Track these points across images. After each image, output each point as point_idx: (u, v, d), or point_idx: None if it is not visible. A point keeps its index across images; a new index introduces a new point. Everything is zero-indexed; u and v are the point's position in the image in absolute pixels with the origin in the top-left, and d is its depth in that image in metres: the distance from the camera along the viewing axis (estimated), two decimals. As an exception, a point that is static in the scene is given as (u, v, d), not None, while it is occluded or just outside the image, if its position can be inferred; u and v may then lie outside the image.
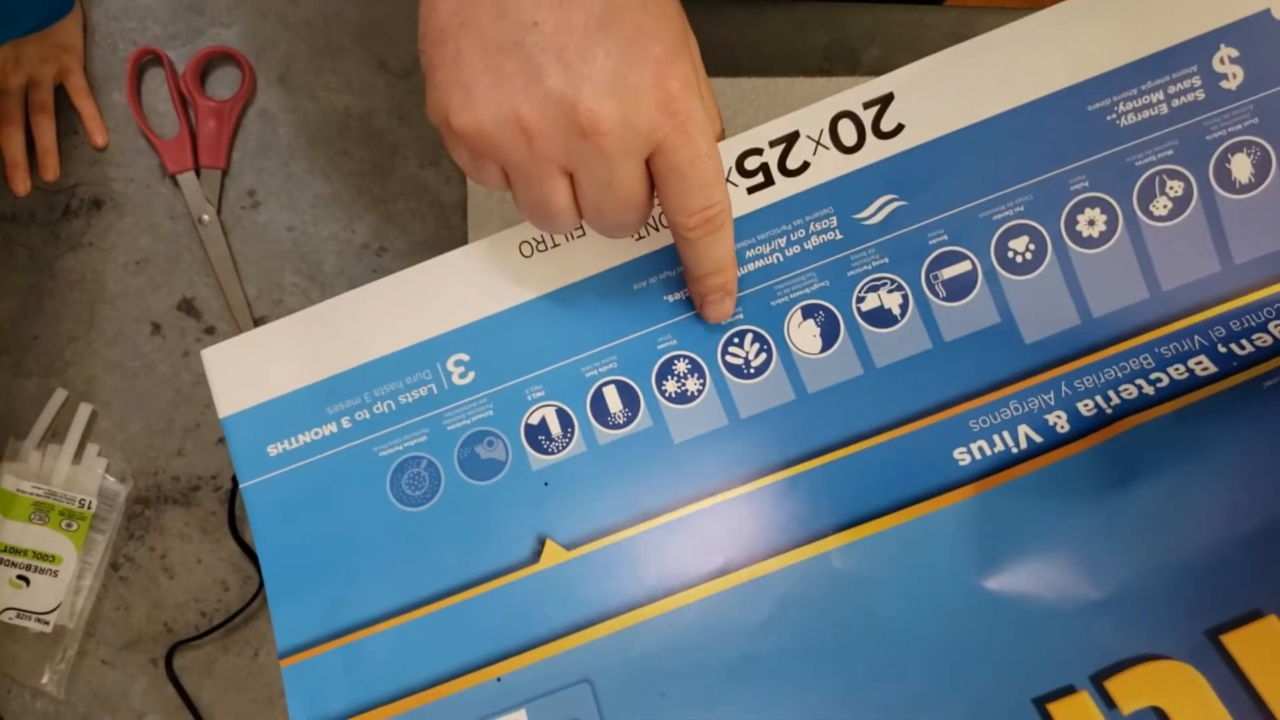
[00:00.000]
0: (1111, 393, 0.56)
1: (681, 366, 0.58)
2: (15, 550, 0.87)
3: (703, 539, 0.57)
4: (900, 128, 0.56)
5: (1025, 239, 0.56)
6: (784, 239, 0.57)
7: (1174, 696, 0.52)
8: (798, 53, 0.90)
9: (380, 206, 0.92)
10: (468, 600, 0.57)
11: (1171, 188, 0.56)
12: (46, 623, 0.88)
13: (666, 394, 0.58)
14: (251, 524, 0.59)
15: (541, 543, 0.58)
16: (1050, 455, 0.56)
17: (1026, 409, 0.56)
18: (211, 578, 0.91)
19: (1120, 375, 0.56)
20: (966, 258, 0.57)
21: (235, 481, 0.90)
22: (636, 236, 0.57)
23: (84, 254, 0.92)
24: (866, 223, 0.57)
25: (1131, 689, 0.52)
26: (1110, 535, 0.54)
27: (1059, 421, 0.56)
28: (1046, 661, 0.54)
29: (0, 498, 0.88)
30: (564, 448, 0.58)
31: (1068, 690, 0.53)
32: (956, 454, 0.57)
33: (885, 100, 0.56)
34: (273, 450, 0.59)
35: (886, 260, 0.57)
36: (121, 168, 0.93)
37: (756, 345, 0.58)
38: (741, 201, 0.57)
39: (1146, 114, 0.55)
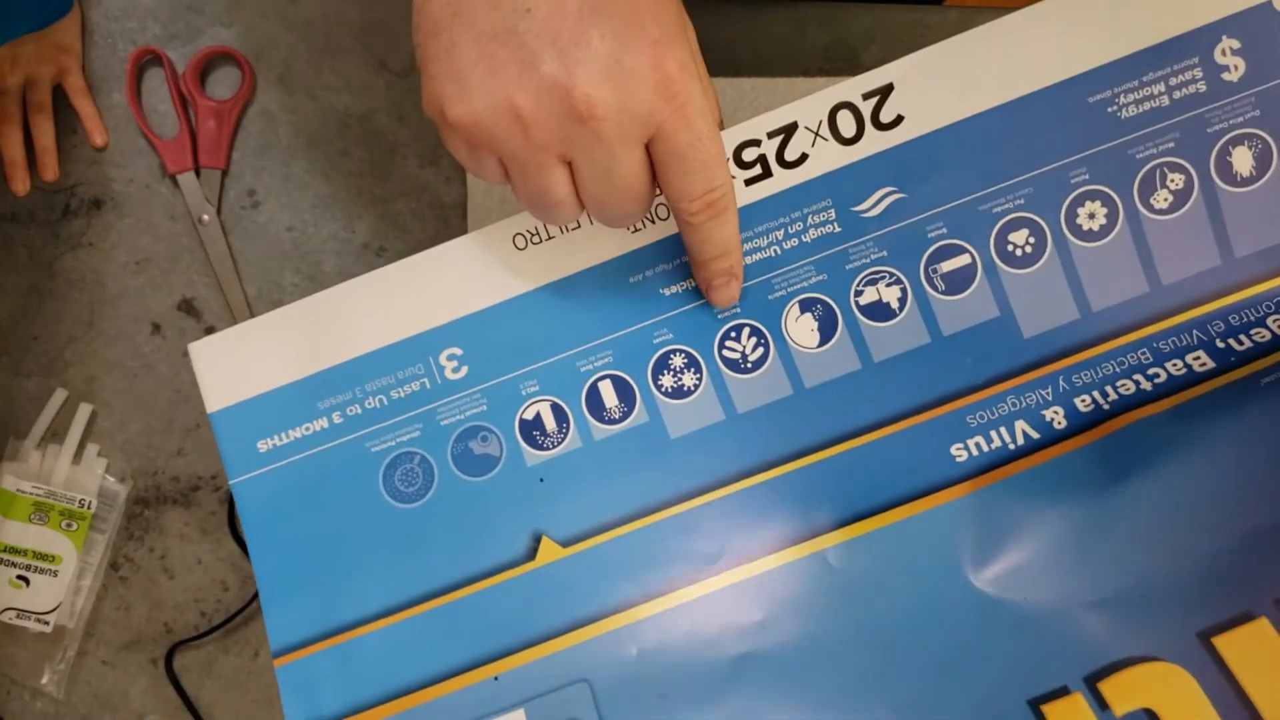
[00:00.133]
0: (1109, 388, 0.56)
1: (678, 361, 0.57)
2: (15, 550, 0.87)
3: (700, 535, 0.57)
4: (900, 119, 0.56)
5: (1025, 232, 0.56)
6: (781, 231, 0.57)
7: (1165, 698, 0.52)
8: (798, 53, 0.90)
9: (380, 206, 0.91)
10: (463, 598, 0.57)
11: (1172, 180, 0.55)
12: (46, 623, 0.87)
13: (663, 389, 0.57)
14: (242, 521, 0.59)
15: (537, 540, 0.57)
16: (1046, 452, 0.56)
17: (1024, 404, 0.56)
18: (211, 578, 0.90)
19: (1118, 370, 0.56)
20: (966, 251, 0.56)
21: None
22: (633, 228, 0.57)
23: (84, 254, 0.92)
24: (865, 215, 0.56)
25: (1124, 691, 0.52)
26: (1104, 534, 0.54)
27: (1056, 418, 0.56)
28: (1041, 662, 0.53)
29: (0, 498, 0.87)
30: (559, 443, 0.58)
31: (1062, 692, 0.53)
32: (954, 450, 0.56)
33: (885, 91, 0.56)
34: (263, 446, 0.58)
35: (885, 253, 0.56)
36: (121, 168, 0.93)
37: (754, 339, 0.57)
38: (739, 193, 0.56)
39: (1147, 106, 0.55)
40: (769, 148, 0.56)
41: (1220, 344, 0.55)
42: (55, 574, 0.87)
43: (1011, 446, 0.56)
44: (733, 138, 0.56)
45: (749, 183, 0.56)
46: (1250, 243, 0.55)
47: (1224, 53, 0.55)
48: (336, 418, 0.58)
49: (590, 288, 0.57)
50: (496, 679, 0.56)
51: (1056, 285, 0.56)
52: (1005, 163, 0.56)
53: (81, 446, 0.90)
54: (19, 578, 0.87)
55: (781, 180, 0.56)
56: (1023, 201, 0.56)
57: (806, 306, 0.57)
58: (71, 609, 0.88)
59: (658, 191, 0.50)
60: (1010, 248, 0.56)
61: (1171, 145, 0.55)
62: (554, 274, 0.57)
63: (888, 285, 0.57)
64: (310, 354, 0.58)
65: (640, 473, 0.57)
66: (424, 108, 0.49)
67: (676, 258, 0.57)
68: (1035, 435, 0.56)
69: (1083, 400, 0.56)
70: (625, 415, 0.58)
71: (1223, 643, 0.52)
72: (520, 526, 0.57)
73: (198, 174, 0.92)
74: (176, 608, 0.90)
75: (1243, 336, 0.55)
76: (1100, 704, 0.52)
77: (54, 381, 0.91)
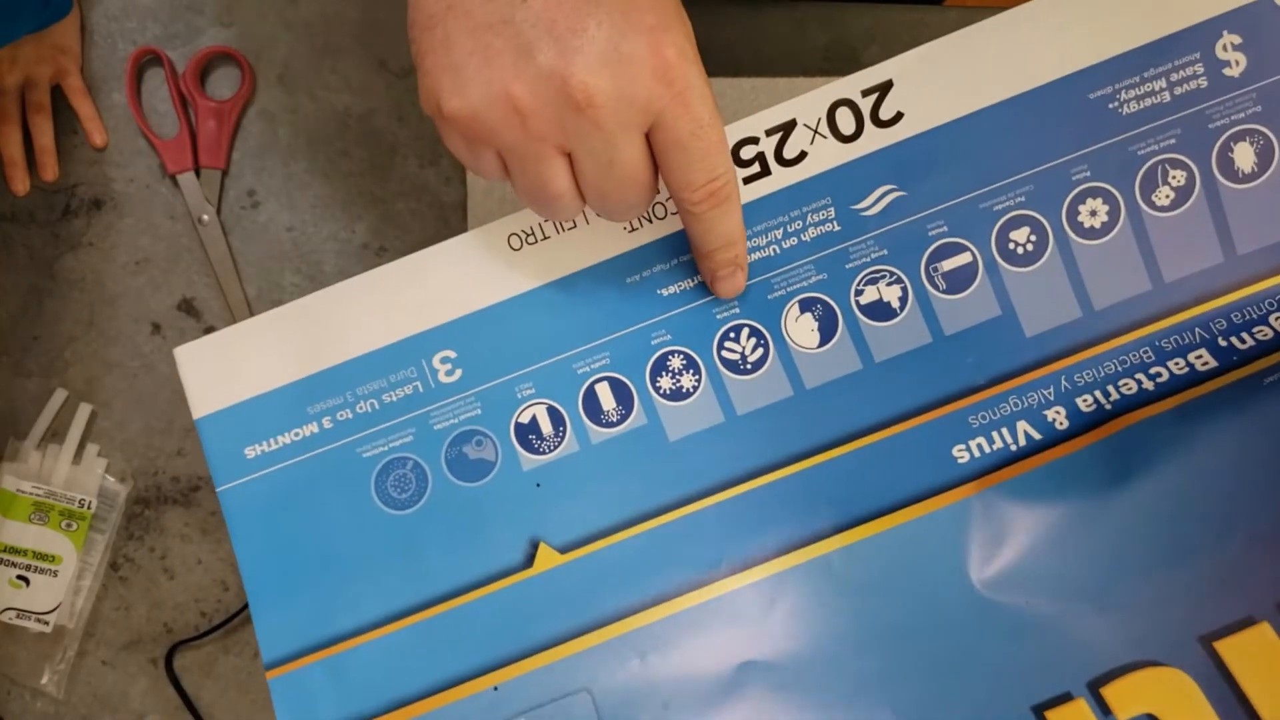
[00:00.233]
0: (1111, 388, 0.55)
1: (676, 362, 0.57)
2: (15, 550, 0.87)
3: (701, 540, 0.56)
4: (899, 116, 0.55)
5: (1026, 230, 0.55)
6: (781, 230, 0.56)
7: (1168, 703, 0.51)
8: (798, 53, 0.89)
9: (380, 206, 0.91)
10: (459, 607, 0.56)
11: (1174, 177, 0.55)
12: (46, 623, 0.87)
13: (661, 391, 0.57)
14: (230, 530, 0.58)
15: (534, 546, 0.56)
16: (1049, 453, 0.55)
17: (1026, 405, 0.55)
18: (211, 578, 0.90)
19: (1120, 369, 0.55)
20: (967, 249, 0.56)
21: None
22: (630, 228, 0.56)
23: (84, 254, 0.92)
24: (865, 214, 0.56)
25: (1127, 696, 0.52)
26: (1107, 537, 0.54)
27: (1058, 418, 0.55)
28: (1044, 668, 0.53)
29: (0, 498, 0.87)
30: (556, 447, 0.57)
31: (1065, 698, 0.53)
32: (955, 451, 0.56)
33: (884, 88, 0.55)
34: (250, 452, 0.58)
35: (885, 252, 0.56)
36: (121, 168, 0.92)
37: (753, 340, 0.57)
38: (736, 192, 0.56)
39: (1148, 102, 0.55)
40: (768, 145, 0.56)
41: (1223, 342, 0.55)
42: (55, 574, 0.87)
43: (1014, 447, 0.55)
44: (731, 135, 0.56)
45: (748, 181, 0.56)
46: (1253, 240, 0.55)
47: (1225, 48, 0.54)
48: (327, 422, 0.57)
49: (587, 288, 0.57)
50: (496, 689, 0.56)
51: (1058, 284, 0.56)
52: (1006, 160, 0.55)
53: (81, 446, 0.90)
54: (19, 578, 0.86)
55: (780, 178, 0.56)
56: (1024, 199, 0.55)
57: (806, 306, 0.56)
58: (71, 609, 0.88)
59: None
60: (1011, 246, 0.55)
61: (1173, 142, 0.55)
62: (550, 274, 0.57)
63: (888, 284, 0.56)
64: (300, 357, 0.58)
65: (639, 476, 0.57)
66: (420, 103, 0.48)
67: (674, 257, 0.56)
68: (1037, 436, 0.55)
69: (1085, 400, 0.55)
70: (623, 418, 0.57)
71: (1225, 647, 0.52)
72: (517, 533, 0.57)
73: (198, 174, 0.91)
74: (176, 608, 0.90)
75: (1245, 335, 0.55)
76: (1103, 709, 0.52)
77: (54, 381, 0.91)
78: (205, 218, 0.91)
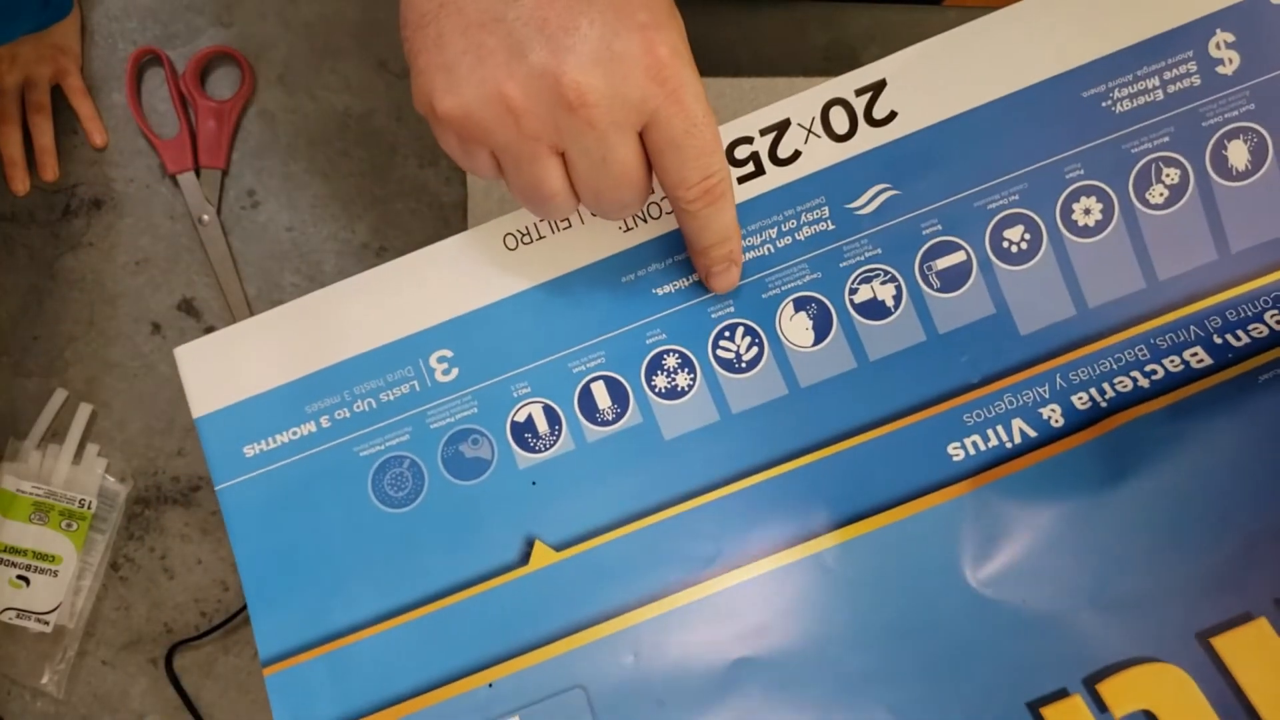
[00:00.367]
0: (1106, 385, 0.55)
1: (671, 361, 0.57)
2: (15, 550, 0.87)
3: (696, 538, 0.56)
4: (893, 115, 0.55)
5: (1020, 228, 0.55)
6: (775, 230, 0.56)
7: (1164, 700, 0.51)
8: (798, 53, 0.89)
9: (379, 206, 0.91)
10: (455, 604, 0.57)
11: (1167, 175, 0.55)
12: (46, 623, 0.87)
13: (656, 389, 0.57)
14: (228, 528, 0.58)
15: (530, 544, 0.57)
16: (1044, 451, 0.55)
17: (1021, 402, 0.55)
18: (211, 578, 0.90)
19: (1115, 367, 0.55)
20: (961, 248, 0.56)
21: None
22: (625, 227, 0.56)
23: (84, 254, 0.92)
24: (859, 212, 0.56)
25: (1123, 692, 0.52)
26: (1102, 534, 0.54)
27: (1053, 416, 0.55)
28: (1040, 664, 0.53)
29: (0, 498, 0.87)
30: (551, 446, 0.57)
31: (1061, 694, 0.52)
32: (950, 449, 0.56)
33: (878, 87, 0.55)
34: (249, 451, 0.58)
35: (879, 251, 0.56)
36: (121, 168, 0.92)
37: (748, 339, 0.57)
38: (731, 191, 0.56)
39: (1142, 100, 0.55)
40: (762, 145, 0.56)
41: (1218, 340, 0.55)
42: (55, 574, 0.87)
43: (1009, 445, 0.55)
44: (725, 135, 0.56)
45: (742, 180, 0.56)
46: (1247, 237, 0.55)
47: (1218, 46, 0.54)
48: (325, 421, 0.58)
49: (582, 288, 0.57)
50: (490, 686, 0.56)
51: (1052, 282, 0.56)
52: (1000, 158, 0.55)
53: (81, 446, 0.90)
54: (19, 578, 0.87)
55: (774, 178, 0.56)
56: (1017, 197, 0.55)
57: (801, 305, 0.56)
58: (71, 609, 0.88)
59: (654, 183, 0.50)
60: (1005, 244, 0.55)
61: (1166, 139, 0.55)
62: (545, 274, 0.57)
63: (882, 283, 0.56)
64: (298, 357, 0.58)
65: (634, 475, 0.57)
66: (414, 103, 0.48)
67: (669, 256, 0.56)
68: (1032, 434, 0.55)
69: (1080, 398, 0.55)
70: (618, 416, 0.57)
71: (1222, 643, 0.52)
72: (512, 531, 0.57)
73: (198, 174, 0.92)
74: (176, 608, 0.90)
75: (1240, 332, 0.55)
76: (1099, 706, 0.52)
77: (54, 381, 0.91)
78: (205, 218, 0.91)
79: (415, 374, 0.57)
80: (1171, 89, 0.54)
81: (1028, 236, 0.55)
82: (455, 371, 0.57)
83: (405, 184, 0.91)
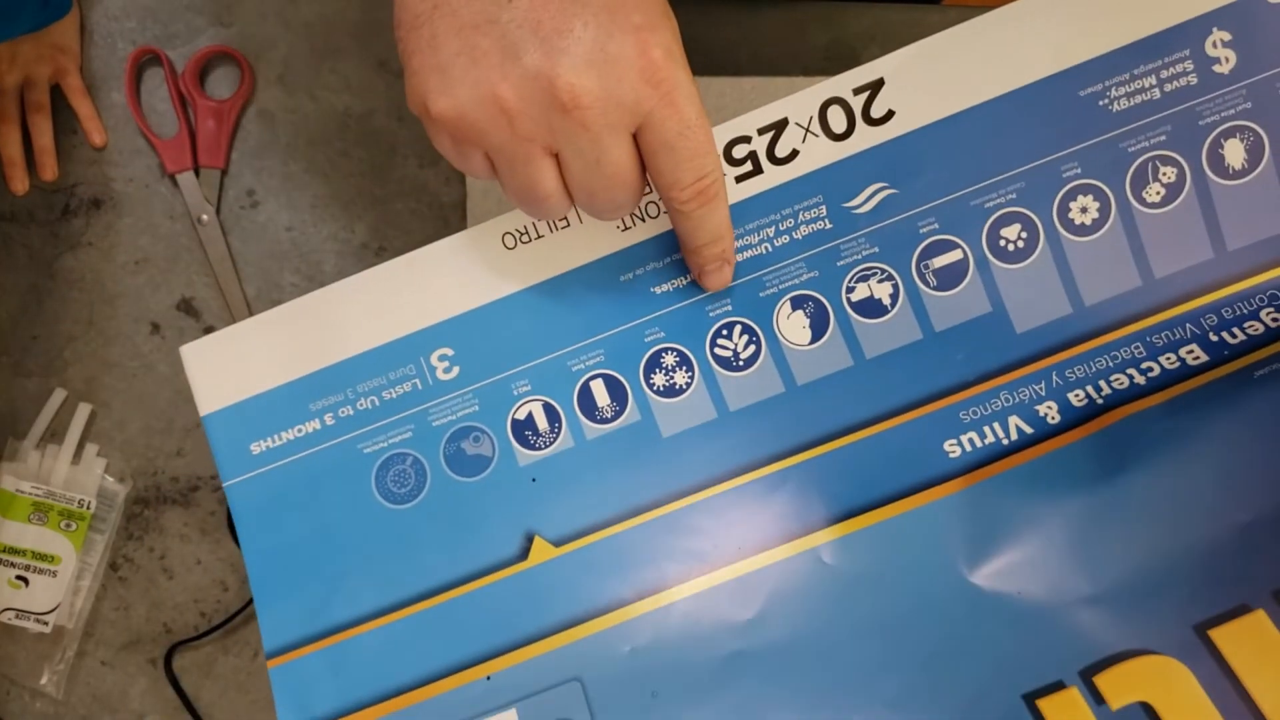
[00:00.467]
0: (1103, 382, 0.55)
1: (670, 359, 0.57)
2: (14, 550, 0.87)
3: (692, 534, 0.57)
4: (890, 114, 0.55)
5: (1017, 227, 0.56)
6: (773, 229, 0.56)
7: (1162, 692, 0.52)
8: (798, 53, 0.90)
9: (379, 206, 0.91)
10: (455, 598, 0.57)
11: (1164, 174, 0.55)
12: (45, 623, 0.87)
13: (655, 387, 0.57)
14: (235, 524, 0.59)
15: (529, 539, 0.57)
16: (1040, 447, 0.55)
17: (1017, 399, 0.56)
18: (211, 578, 0.90)
19: (1111, 365, 0.55)
20: (958, 246, 0.56)
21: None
22: (623, 226, 0.56)
23: (83, 254, 0.92)
24: (856, 211, 0.56)
25: (1120, 684, 0.52)
26: (1099, 528, 0.54)
27: (1049, 412, 0.55)
28: (1036, 657, 0.53)
29: None
30: (551, 443, 0.58)
31: (1057, 686, 0.53)
32: (947, 446, 0.56)
33: (875, 86, 0.55)
34: (255, 448, 0.58)
35: (877, 249, 0.56)
36: (121, 167, 0.93)
37: (745, 337, 0.57)
38: (729, 190, 0.56)
39: (1139, 99, 0.55)
40: (759, 144, 0.56)
41: (1213, 337, 0.55)
42: (54, 574, 0.87)
43: (1005, 442, 0.56)
44: (723, 134, 0.56)
45: (740, 179, 0.56)
46: (1243, 235, 0.55)
47: (1215, 45, 0.54)
48: (329, 419, 0.58)
49: (581, 286, 0.57)
50: (489, 679, 0.56)
51: (1049, 280, 0.56)
52: (997, 157, 0.55)
53: (81, 446, 0.91)
54: (18, 578, 0.87)
55: (772, 177, 0.56)
56: (1014, 196, 0.55)
57: (798, 304, 0.57)
58: (71, 609, 0.88)
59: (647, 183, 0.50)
60: (1002, 243, 0.56)
61: (1163, 138, 0.55)
62: (544, 273, 0.57)
63: (879, 281, 0.56)
64: (302, 355, 0.58)
65: (632, 472, 0.57)
66: (408, 103, 0.48)
67: (667, 255, 0.57)
68: (1029, 430, 0.56)
69: (1076, 395, 0.55)
70: (617, 414, 0.57)
71: (1219, 635, 0.52)
72: (512, 526, 0.57)
73: (197, 174, 0.92)
74: (176, 608, 0.90)
75: (1236, 330, 0.55)
76: (1096, 698, 0.52)
77: (53, 381, 0.91)
78: (204, 217, 0.91)
79: (417, 372, 0.57)
80: (1168, 88, 0.55)
81: (1024, 235, 0.56)
82: (456, 370, 0.57)
83: (405, 184, 0.91)
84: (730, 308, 0.57)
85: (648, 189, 0.51)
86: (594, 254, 0.57)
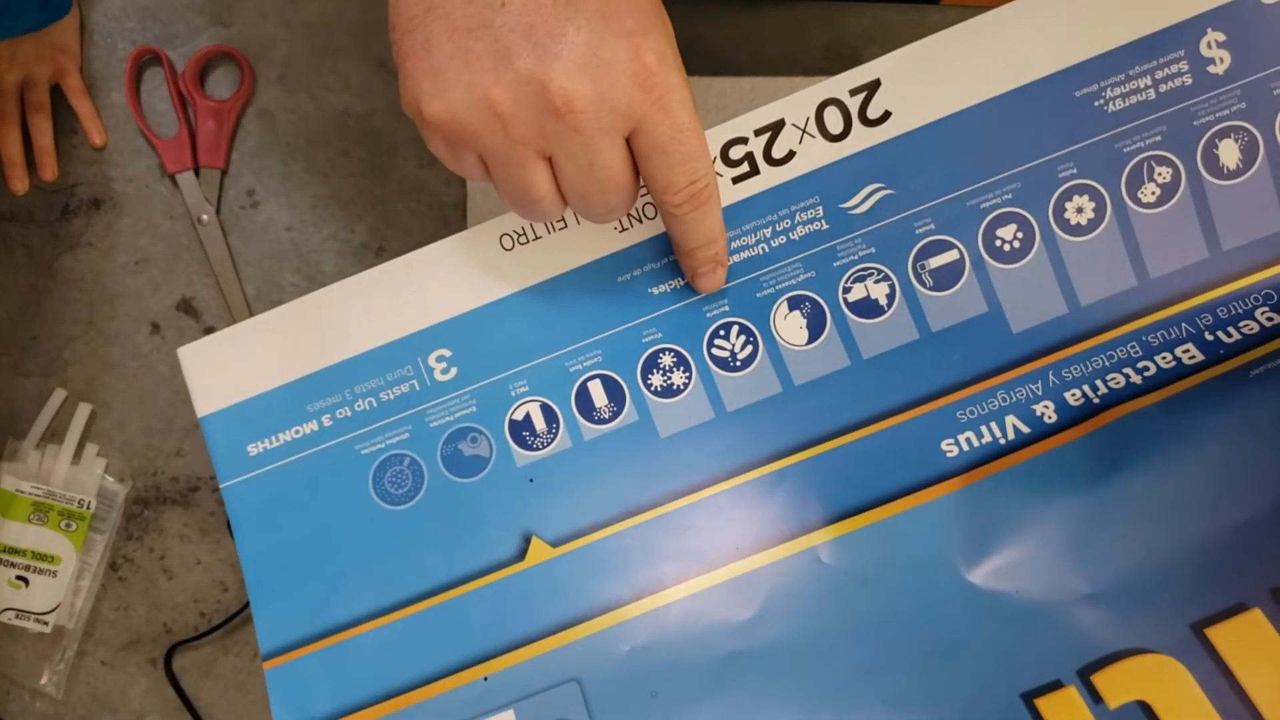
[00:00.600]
0: (1099, 382, 0.55)
1: (667, 360, 0.57)
2: (14, 550, 0.87)
3: (690, 534, 0.57)
4: (887, 115, 0.55)
5: (1013, 227, 0.56)
6: (769, 229, 0.56)
7: (1159, 690, 0.52)
8: (798, 53, 0.90)
9: (379, 206, 0.91)
10: (453, 599, 0.57)
11: (1159, 174, 0.55)
12: (45, 623, 0.87)
13: (652, 388, 0.57)
14: (232, 525, 0.59)
15: (527, 540, 0.57)
16: (1037, 446, 0.55)
17: (1014, 399, 0.56)
18: (210, 578, 0.90)
19: (1108, 364, 0.55)
20: (954, 246, 0.56)
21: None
22: (620, 227, 0.57)
23: (83, 254, 0.92)
24: (853, 212, 0.56)
25: (1118, 683, 0.52)
26: (1096, 528, 0.54)
27: (1046, 411, 0.56)
28: (1034, 656, 0.53)
29: None
30: (549, 443, 0.58)
31: (1055, 685, 0.53)
32: (944, 445, 0.56)
33: (872, 87, 0.55)
34: (253, 450, 0.58)
35: (873, 250, 0.56)
36: (120, 167, 0.93)
37: (742, 337, 0.57)
38: (726, 191, 0.56)
39: (1134, 99, 0.55)
40: (756, 145, 0.56)
41: (1209, 336, 0.55)
42: (54, 574, 0.87)
43: (1002, 441, 0.56)
44: (720, 135, 0.56)
45: (736, 180, 0.56)
46: (1238, 235, 0.55)
47: (1209, 45, 0.54)
48: (326, 420, 0.58)
49: (578, 287, 0.57)
50: (486, 679, 0.56)
51: (1045, 280, 0.56)
52: (993, 158, 0.55)
53: (81, 446, 0.91)
54: (18, 578, 0.87)
55: (769, 178, 0.56)
56: (1010, 196, 0.55)
57: (795, 304, 0.57)
58: (71, 609, 0.89)
59: (641, 185, 0.50)
60: (998, 243, 0.56)
61: (1158, 139, 0.55)
62: (542, 274, 0.57)
63: (876, 282, 0.56)
64: (300, 357, 0.58)
65: (630, 472, 0.57)
66: (402, 105, 0.49)
67: (664, 256, 0.57)
68: (1026, 430, 0.56)
69: (1072, 394, 0.56)
70: (615, 415, 0.57)
71: (1216, 634, 0.52)
72: (510, 527, 0.57)
73: (197, 174, 0.92)
74: (176, 608, 0.90)
75: (1231, 329, 0.55)
76: (1094, 697, 0.52)
77: (53, 381, 0.92)
78: (204, 217, 0.91)
79: (415, 373, 0.58)
80: (1163, 88, 0.55)
81: (1020, 235, 0.56)
82: (454, 371, 0.58)
83: (405, 184, 0.91)
84: (727, 308, 0.57)
85: (642, 191, 0.51)
86: (591, 255, 0.57)
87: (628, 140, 0.47)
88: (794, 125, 0.56)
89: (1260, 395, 0.53)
